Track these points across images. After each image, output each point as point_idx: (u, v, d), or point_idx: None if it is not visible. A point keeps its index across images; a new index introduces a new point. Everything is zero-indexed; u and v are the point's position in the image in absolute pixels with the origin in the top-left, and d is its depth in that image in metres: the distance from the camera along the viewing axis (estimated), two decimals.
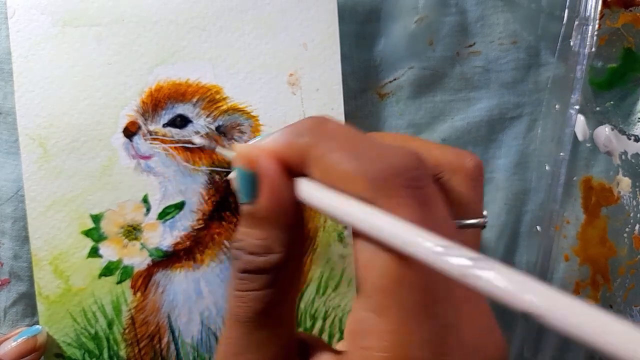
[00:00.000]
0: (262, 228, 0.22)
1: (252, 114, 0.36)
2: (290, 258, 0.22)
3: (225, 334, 0.22)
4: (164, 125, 0.36)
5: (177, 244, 0.36)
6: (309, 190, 0.21)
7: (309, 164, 0.21)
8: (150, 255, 0.36)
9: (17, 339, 0.34)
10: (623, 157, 0.39)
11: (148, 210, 0.36)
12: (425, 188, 0.20)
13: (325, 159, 0.20)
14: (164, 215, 0.36)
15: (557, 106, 0.39)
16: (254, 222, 0.22)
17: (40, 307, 0.35)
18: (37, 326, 0.35)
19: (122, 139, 0.36)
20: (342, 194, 0.20)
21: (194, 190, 0.36)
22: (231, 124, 0.36)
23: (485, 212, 0.26)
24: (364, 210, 0.20)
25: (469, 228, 0.24)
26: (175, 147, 0.36)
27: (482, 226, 0.25)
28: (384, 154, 0.20)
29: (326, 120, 0.22)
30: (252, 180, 0.21)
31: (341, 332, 0.37)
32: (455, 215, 0.24)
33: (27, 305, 0.37)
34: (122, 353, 0.36)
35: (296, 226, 0.22)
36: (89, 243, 0.35)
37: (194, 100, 0.36)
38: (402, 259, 0.19)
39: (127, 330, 0.36)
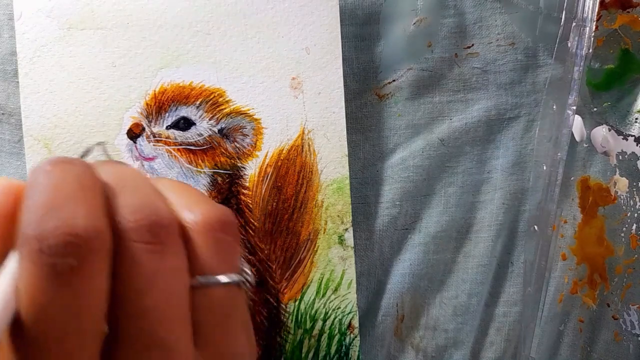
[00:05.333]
0: None
1: (254, 117, 0.38)
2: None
3: None
4: (168, 128, 0.37)
5: None
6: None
7: None
8: None
9: None
10: (620, 157, 0.40)
11: None
12: (70, 258, 0.19)
13: (22, 204, 0.20)
14: None
15: (554, 107, 0.39)
16: None
17: None
18: None
19: (126, 140, 0.37)
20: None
21: None
22: (234, 127, 0.38)
23: (245, 270, 0.25)
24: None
25: (221, 287, 0.23)
26: (178, 149, 0.37)
27: (238, 284, 0.24)
28: (53, 212, 0.19)
29: (59, 163, 0.21)
30: None
31: (341, 333, 0.38)
32: (197, 273, 0.23)
33: None
34: None
35: None
36: None
37: (198, 103, 0.37)
38: None
39: None
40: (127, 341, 0.20)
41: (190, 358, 0.22)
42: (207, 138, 0.37)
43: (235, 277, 0.24)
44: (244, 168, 0.38)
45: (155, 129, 0.37)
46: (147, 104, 0.37)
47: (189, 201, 0.24)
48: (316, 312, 0.38)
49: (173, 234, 0.22)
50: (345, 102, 0.38)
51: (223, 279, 0.23)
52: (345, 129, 0.38)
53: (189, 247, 0.23)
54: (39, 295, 0.19)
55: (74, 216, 0.19)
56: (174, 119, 0.37)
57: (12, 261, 0.19)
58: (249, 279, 0.25)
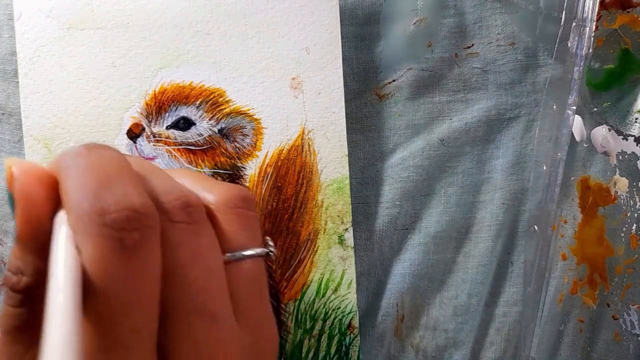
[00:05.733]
0: (18, 248, 0.21)
1: (254, 117, 0.38)
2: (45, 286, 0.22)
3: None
4: (168, 128, 0.37)
5: None
6: (55, 222, 0.21)
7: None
8: None
9: None
10: (620, 157, 0.40)
11: None
12: (134, 232, 0.20)
13: (61, 184, 0.21)
14: None
15: (554, 107, 0.40)
16: (15, 240, 0.22)
17: None
18: None
19: (126, 140, 0.37)
20: (60, 232, 0.20)
21: None
22: (234, 127, 0.38)
23: (268, 242, 0.27)
24: (55, 254, 0.19)
25: (249, 259, 0.25)
26: (178, 149, 0.37)
27: (265, 255, 0.26)
28: (109, 189, 0.20)
29: (94, 148, 0.22)
30: (11, 200, 0.21)
31: (341, 333, 0.39)
32: (229, 249, 0.24)
33: None
34: None
35: None
36: None
37: (198, 103, 0.37)
38: None
39: None
40: (178, 311, 0.22)
41: (234, 328, 0.23)
42: (207, 138, 0.38)
43: (260, 249, 0.25)
44: (244, 168, 0.38)
45: (155, 129, 0.37)
46: (147, 104, 0.37)
47: (205, 184, 0.26)
48: (316, 312, 0.38)
49: (203, 214, 0.24)
50: (345, 102, 0.38)
51: (250, 252, 0.25)
52: (345, 129, 0.38)
53: (215, 226, 0.24)
54: (109, 267, 0.19)
55: (129, 192, 0.20)
56: (174, 119, 0.37)
57: (63, 238, 0.20)
58: (272, 249, 0.26)
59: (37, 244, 0.21)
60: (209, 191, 0.25)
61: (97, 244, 0.19)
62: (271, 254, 0.26)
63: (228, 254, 0.24)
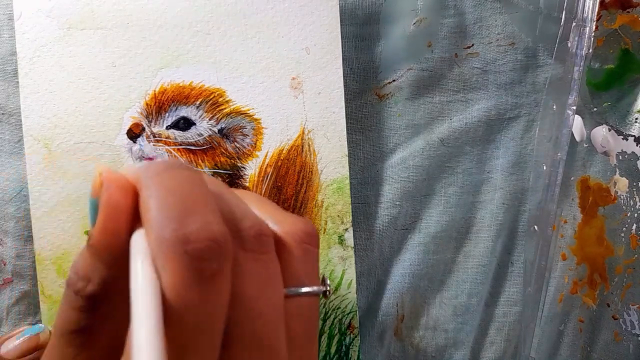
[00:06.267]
0: (89, 255, 0.21)
1: (254, 117, 0.38)
2: (111, 296, 0.22)
3: (50, 340, 0.22)
4: (168, 128, 0.37)
5: None
6: (133, 238, 0.21)
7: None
8: None
9: (19, 337, 0.35)
10: (620, 157, 0.40)
11: None
12: (213, 262, 0.20)
13: (143, 201, 0.21)
14: None
15: (554, 107, 0.40)
16: (87, 246, 0.22)
17: (43, 306, 0.37)
18: (40, 325, 0.36)
19: (126, 140, 0.37)
20: (140, 250, 0.20)
21: None
22: (234, 127, 0.38)
23: (326, 281, 0.26)
24: (137, 274, 0.19)
25: (306, 296, 0.24)
26: (178, 149, 0.37)
27: (321, 294, 0.25)
28: (191, 216, 0.20)
29: (176, 167, 0.22)
30: (95, 208, 0.21)
31: (341, 333, 0.39)
32: (289, 283, 0.24)
33: (30, 304, 0.39)
34: None
35: (127, 270, 0.21)
36: None
37: (198, 103, 0.37)
38: None
39: None
40: (240, 343, 0.22)
41: None
42: (207, 138, 0.38)
43: (317, 287, 0.25)
44: (244, 168, 0.38)
45: (155, 129, 0.37)
46: (147, 104, 0.37)
47: (273, 214, 0.26)
48: None
49: (272, 245, 0.24)
50: (345, 102, 0.38)
51: (308, 289, 0.25)
52: (345, 129, 0.38)
53: (279, 258, 0.24)
54: (186, 295, 0.19)
55: (210, 221, 0.20)
56: (174, 119, 0.37)
57: (146, 260, 0.20)
58: (329, 289, 0.26)
59: (110, 255, 0.21)
60: (277, 222, 0.25)
61: (176, 271, 0.19)
62: (328, 292, 0.26)
63: (288, 289, 0.24)
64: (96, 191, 0.22)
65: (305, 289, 0.24)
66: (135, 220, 0.21)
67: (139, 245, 0.20)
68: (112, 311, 0.22)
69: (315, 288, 0.25)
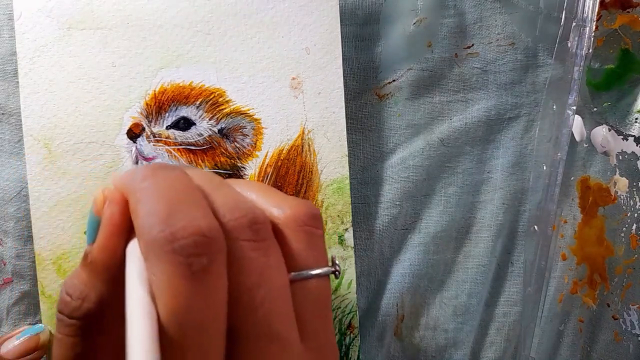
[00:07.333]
0: (87, 273, 0.22)
1: (254, 117, 0.38)
2: (108, 315, 0.22)
3: None
4: (168, 128, 0.37)
5: None
6: (128, 249, 0.21)
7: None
8: None
9: (19, 337, 0.35)
10: (620, 157, 0.40)
11: None
12: (202, 257, 0.20)
13: (132, 208, 0.21)
14: None
15: (554, 107, 0.40)
16: (84, 264, 0.22)
17: (43, 306, 0.37)
18: (40, 325, 0.37)
19: (126, 140, 0.37)
20: (133, 256, 0.20)
21: None
22: (234, 127, 0.38)
23: (335, 260, 0.26)
24: (130, 281, 0.20)
25: (315, 278, 0.24)
26: (178, 149, 0.37)
27: (331, 274, 0.25)
28: (177, 214, 0.20)
29: (161, 169, 0.22)
30: (96, 225, 0.22)
31: (341, 333, 0.39)
32: (295, 267, 0.24)
33: (30, 304, 0.39)
34: None
35: (124, 286, 0.21)
36: None
37: (198, 103, 0.37)
38: None
39: None
40: (246, 335, 0.21)
41: (301, 351, 0.23)
42: (207, 138, 0.38)
43: (326, 268, 0.25)
44: (244, 168, 0.38)
45: (155, 129, 0.37)
46: (147, 104, 0.37)
47: (273, 198, 0.25)
48: None
49: (270, 231, 0.23)
50: (345, 102, 0.38)
51: (317, 271, 0.24)
52: (345, 129, 0.38)
53: (281, 243, 0.24)
54: (178, 294, 0.19)
55: (196, 217, 0.20)
56: (174, 119, 0.37)
57: (134, 265, 0.20)
58: (339, 268, 0.26)
59: (109, 271, 0.21)
60: (277, 206, 0.25)
61: (166, 270, 0.19)
62: (337, 272, 0.26)
63: (294, 273, 0.24)
64: (98, 209, 0.22)
65: (312, 272, 0.24)
66: (130, 233, 0.22)
67: (133, 253, 0.21)
68: (109, 333, 0.22)
69: (323, 269, 0.24)
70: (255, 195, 0.25)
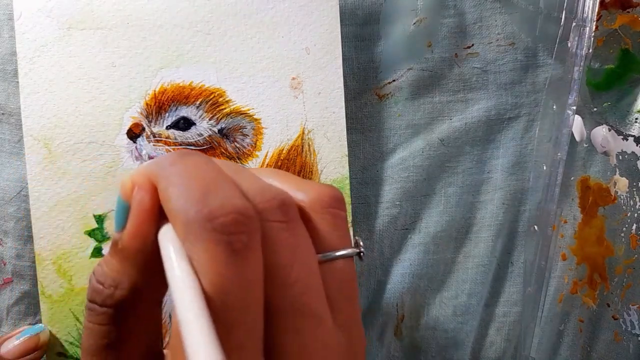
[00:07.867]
0: (118, 260, 0.22)
1: (254, 117, 0.38)
2: (141, 301, 0.22)
3: None
4: (168, 128, 0.37)
5: None
6: (161, 233, 0.21)
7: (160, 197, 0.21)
8: None
9: (19, 337, 0.36)
10: (620, 157, 0.40)
11: None
12: (242, 235, 0.20)
13: (163, 192, 0.21)
14: None
15: (554, 107, 0.40)
16: (114, 251, 0.22)
17: (43, 306, 0.37)
18: (40, 325, 0.37)
19: (126, 140, 0.37)
20: (170, 239, 0.20)
21: None
22: (234, 127, 0.38)
23: (359, 242, 0.26)
24: (171, 263, 0.20)
25: (341, 259, 0.25)
26: (178, 149, 0.37)
27: (355, 255, 0.26)
28: (212, 194, 0.20)
29: (188, 155, 0.22)
30: (125, 212, 0.22)
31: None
32: (322, 249, 0.24)
33: (30, 304, 0.39)
34: None
35: (157, 272, 0.21)
36: (92, 243, 0.37)
37: (198, 103, 0.37)
38: None
39: None
40: (282, 312, 0.22)
41: (334, 329, 0.23)
42: (207, 138, 0.38)
43: (351, 249, 0.25)
44: None
45: (155, 129, 0.37)
46: (147, 104, 0.37)
47: (295, 183, 0.26)
48: None
49: (297, 213, 0.24)
50: (345, 102, 0.38)
51: (343, 252, 0.25)
52: (345, 129, 0.38)
53: (307, 226, 0.24)
54: (223, 272, 0.19)
55: (231, 196, 0.20)
56: (174, 119, 0.37)
57: (172, 247, 0.20)
58: (363, 250, 0.26)
59: (141, 258, 0.22)
60: (301, 190, 0.25)
61: (208, 249, 0.19)
62: (362, 254, 0.26)
63: (321, 255, 0.24)
64: (127, 195, 0.22)
65: (338, 253, 0.24)
66: (160, 218, 0.22)
67: (168, 237, 0.21)
68: (140, 320, 0.23)
69: (348, 250, 0.25)
70: (276, 181, 0.26)
